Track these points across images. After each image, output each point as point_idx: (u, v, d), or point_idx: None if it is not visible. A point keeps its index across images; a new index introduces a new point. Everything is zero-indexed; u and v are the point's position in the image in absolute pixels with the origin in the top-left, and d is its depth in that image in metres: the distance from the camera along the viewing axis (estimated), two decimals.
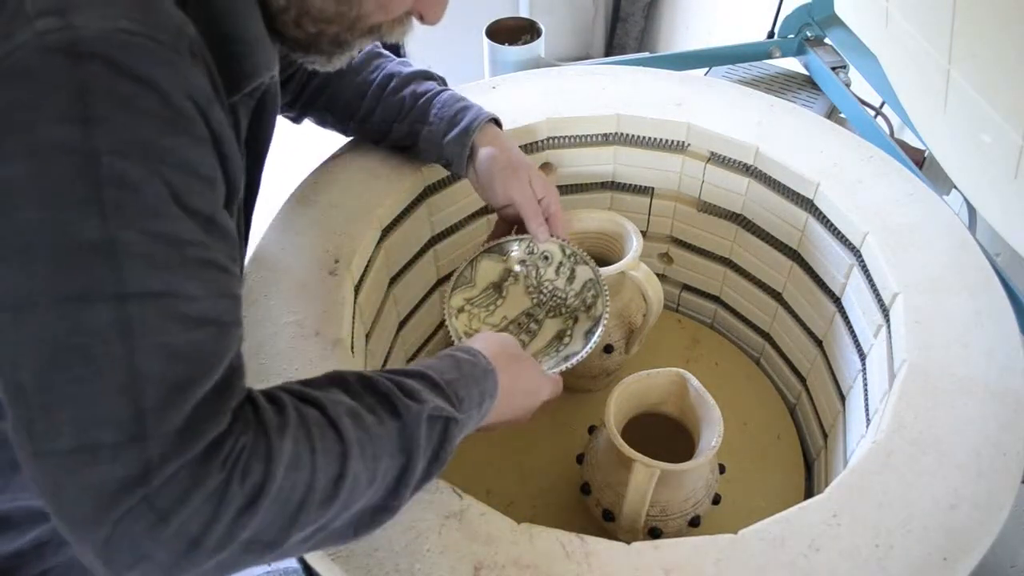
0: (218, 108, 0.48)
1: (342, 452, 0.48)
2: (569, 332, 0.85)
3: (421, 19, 0.62)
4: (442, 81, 0.91)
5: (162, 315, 0.43)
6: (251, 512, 0.43)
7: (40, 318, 0.41)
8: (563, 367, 0.78)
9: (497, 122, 0.87)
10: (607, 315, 0.81)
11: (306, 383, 0.52)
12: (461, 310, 0.85)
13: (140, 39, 0.43)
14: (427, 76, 0.89)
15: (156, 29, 0.44)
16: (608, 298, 0.82)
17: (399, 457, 0.52)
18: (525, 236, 0.86)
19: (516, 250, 0.87)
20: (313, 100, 0.88)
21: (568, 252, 0.86)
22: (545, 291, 0.88)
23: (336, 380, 0.53)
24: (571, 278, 0.86)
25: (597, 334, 0.80)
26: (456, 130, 0.84)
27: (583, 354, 0.79)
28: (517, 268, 0.87)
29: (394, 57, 0.90)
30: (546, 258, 0.87)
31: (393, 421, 0.52)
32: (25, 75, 0.41)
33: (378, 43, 0.68)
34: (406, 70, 0.88)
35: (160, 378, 0.42)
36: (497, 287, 0.88)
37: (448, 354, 0.63)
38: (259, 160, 0.67)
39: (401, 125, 0.87)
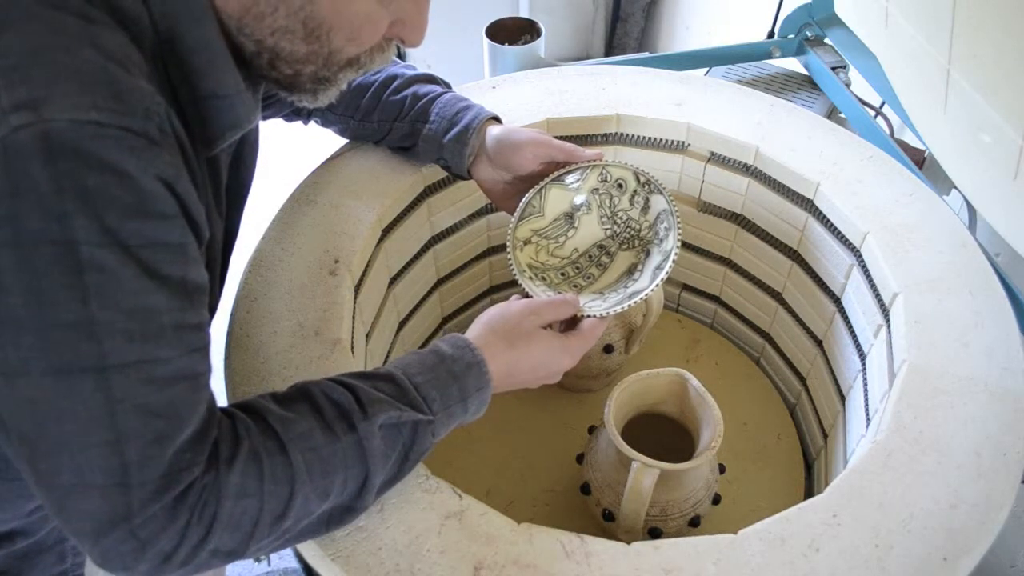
0: (186, 179, 0.50)
1: (290, 476, 0.53)
2: (640, 267, 0.81)
3: (402, 42, 0.62)
4: (445, 85, 0.90)
5: (140, 380, 0.47)
6: (209, 537, 0.50)
7: (31, 384, 0.46)
8: (628, 304, 0.74)
9: (498, 121, 0.87)
10: (678, 250, 0.76)
11: (277, 398, 0.57)
12: (528, 242, 0.81)
13: (110, 130, 0.45)
14: (430, 79, 0.89)
15: (126, 117, 0.46)
16: (680, 231, 0.77)
17: (358, 467, 0.57)
18: (595, 163, 0.82)
19: (588, 177, 0.82)
20: None
21: (643, 180, 0.81)
22: (619, 222, 0.83)
23: (304, 393, 0.58)
24: (645, 208, 0.82)
25: (666, 270, 0.75)
26: (457, 128, 0.84)
27: (648, 291, 0.75)
28: (590, 197, 0.83)
29: (398, 60, 0.90)
30: (620, 186, 0.82)
31: (349, 436, 0.56)
32: (5, 168, 0.43)
33: None
34: (409, 72, 0.89)
35: (141, 434, 0.48)
36: (568, 217, 0.84)
37: (432, 349, 0.65)
38: (239, 206, 0.70)
39: (402, 124, 0.87)
